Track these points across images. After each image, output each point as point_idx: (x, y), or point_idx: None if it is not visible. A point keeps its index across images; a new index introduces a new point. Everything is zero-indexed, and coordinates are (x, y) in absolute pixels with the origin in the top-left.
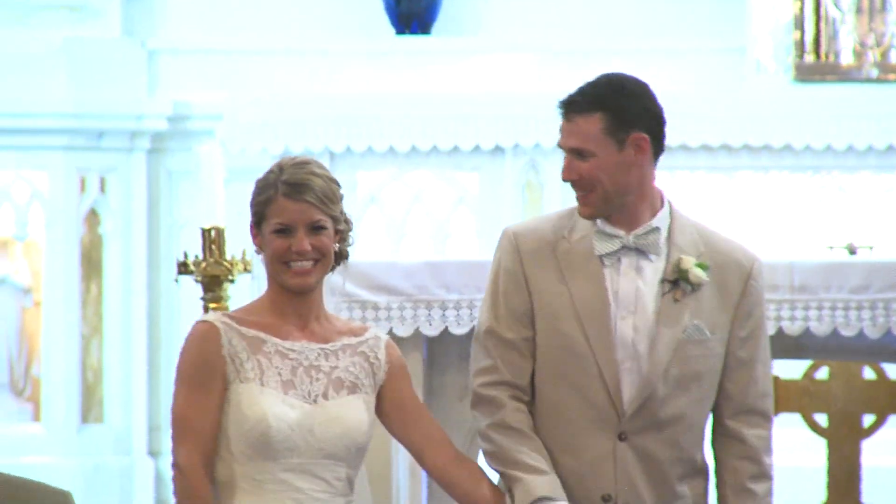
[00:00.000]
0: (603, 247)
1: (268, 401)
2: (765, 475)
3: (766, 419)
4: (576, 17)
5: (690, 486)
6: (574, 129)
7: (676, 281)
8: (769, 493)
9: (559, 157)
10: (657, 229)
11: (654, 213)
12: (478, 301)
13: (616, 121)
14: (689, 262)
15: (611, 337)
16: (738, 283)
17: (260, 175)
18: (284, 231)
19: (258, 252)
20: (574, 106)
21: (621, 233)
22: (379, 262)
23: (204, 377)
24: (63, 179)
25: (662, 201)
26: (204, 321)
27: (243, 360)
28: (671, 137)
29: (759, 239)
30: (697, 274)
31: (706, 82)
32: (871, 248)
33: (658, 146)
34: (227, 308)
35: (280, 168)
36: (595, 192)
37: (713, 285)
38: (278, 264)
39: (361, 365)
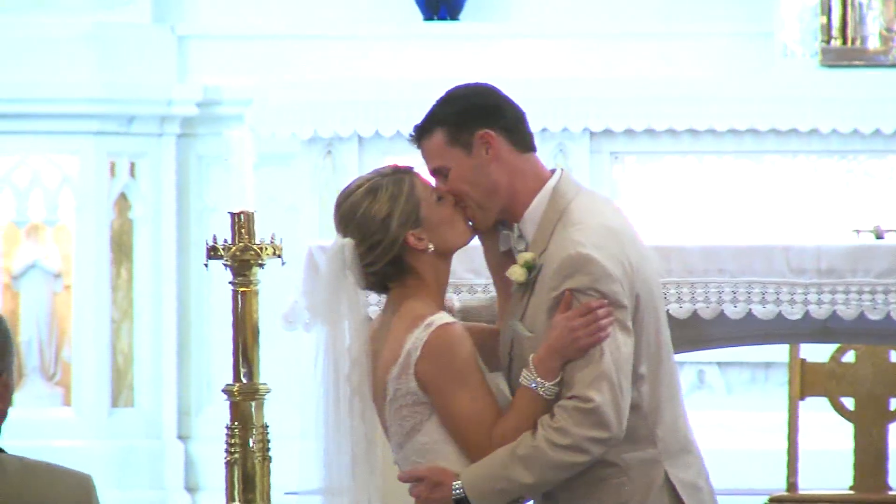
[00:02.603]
0: (504, 247)
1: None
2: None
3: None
4: (603, 3)
5: None
6: (425, 153)
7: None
8: (554, 445)
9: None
10: (513, 224)
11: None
12: None
13: (453, 129)
14: (520, 259)
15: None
16: (553, 279)
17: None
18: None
19: (425, 249)
20: (418, 134)
21: (507, 232)
22: None
23: (479, 366)
24: (93, 164)
25: (539, 186)
26: (449, 322)
27: None
28: (700, 121)
29: (786, 223)
30: (513, 271)
31: (733, 66)
32: None
33: (514, 135)
34: (256, 292)
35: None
36: (468, 204)
37: (542, 282)
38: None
39: None
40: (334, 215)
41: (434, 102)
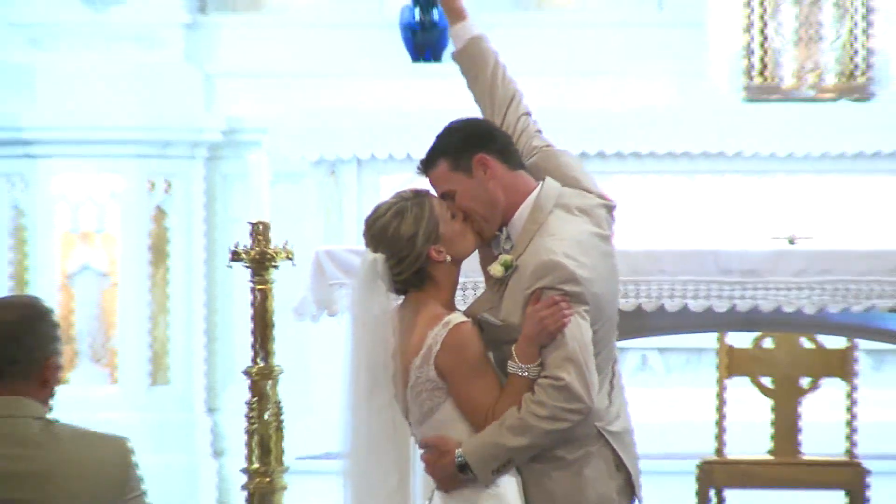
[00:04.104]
0: (496, 246)
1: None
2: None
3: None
4: (566, 46)
5: None
6: (432, 181)
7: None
8: (536, 415)
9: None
10: (503, 230)
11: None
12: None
13: (454, 158)
14: (500, 259)
15: None
16: (528, 280)
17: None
18: None
19: (444, 260)
20: (424, 166)
21: (498, 233)
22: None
23: (487, 358)
24: (135, 182)
25: (523, 198)
26: (463, 321)
27: None
28: (645, 146)
29: (715, 231)
30: (493, 268)
31: (672, 100)
32: (810, 238)
33: (504, 155)
34: (271, 289)
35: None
36: (475, 218)
37: (516, 280)
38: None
39: None
40: (365, 234)
41: (433, 141)
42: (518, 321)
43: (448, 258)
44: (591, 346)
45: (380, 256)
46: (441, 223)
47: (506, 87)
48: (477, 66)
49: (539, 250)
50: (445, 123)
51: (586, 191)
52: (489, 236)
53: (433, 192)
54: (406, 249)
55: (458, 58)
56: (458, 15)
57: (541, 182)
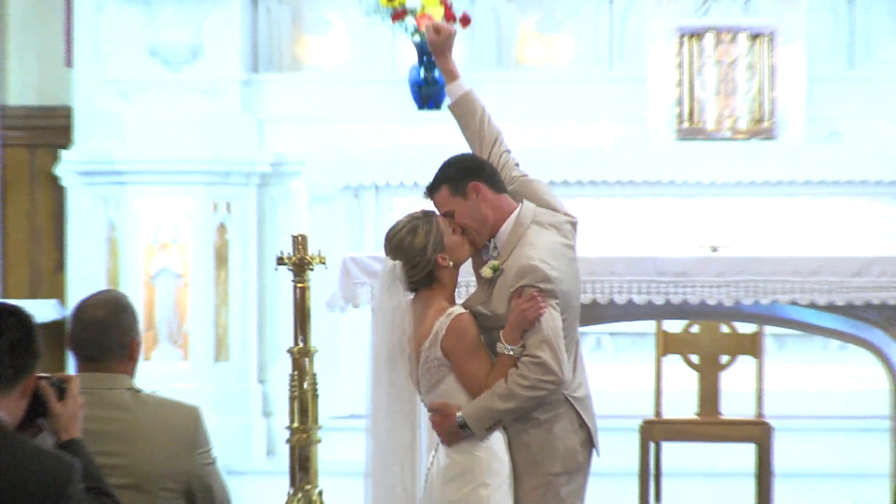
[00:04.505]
0: (486, 254)
1: None
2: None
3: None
4: (539, 97)
5: None
6: (436, 203)
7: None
8: (519, 385)
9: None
10: (491, 241)
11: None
12: None
13: (453, 185)
14: (489, 264)
15: None
16: (512, 280)
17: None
18: None
19: (448, 265)
20: (429, 192)
21: (488, 244)
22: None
23: (481, 340)
24: (203, 203)
25: (507, 216)
26: (463, 312)
27: None
28: (599, 175)
29: (653, 242)
30: (484, 270)
31: (621, 140)
32: (727, 247)
33: (492, 182)
34: (309, 287)
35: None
36: (470, 232)
37: (503, 280)
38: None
39: None
40: (385, 246)
41: (439, 169)
42: (504, 312)
43: (451, 263)
44: (561, 331)
45: (398, 263)
46: (445, 236)
47: (490, 131)
48: (468, 115)
49: (520, 257)
50: (444, 158)
51: (555, 210)
52: (481, 246)
53: (437, 211)
54: (419, 257)
55: (453, 108)
56: (452, 76)
57: (520, 204)
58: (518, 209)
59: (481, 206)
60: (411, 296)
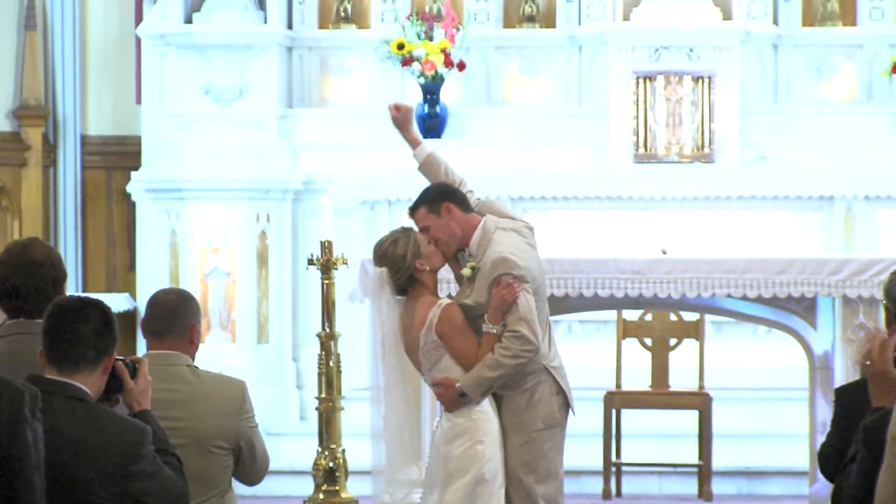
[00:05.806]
0: (461, 261)
1: None
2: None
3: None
4: (520, 128)
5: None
6: (416, 220)
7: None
8: (504, 356)
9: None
10: (465, 249)
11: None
12: None
13: (429, 206)
14: (468, 265)
15: None
16: (490, 272)
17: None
18: None
19: (425, 269)
20: (411, 212)
21: (462, 252)
22: None
23: (467, 324)
24: (248, 215)
25: (474, 230)
26: (450, 303)
27: None
28: (570, 191)
29: (613, 247)
30: (464, 271)
31: (588, 163)
32: (675, 250)
33: (461, 204)
34: (334, 283)
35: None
36: (439, 244)
37: (481, 276)
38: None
39: None
40: (374, 256)
41: (421, 193)
42: (485, 301)
43: (427, 268)
44: (535, 309)
45: (384, 269)
46: (422, 247)
47: (454, 179)
48: (434, 170)
49: (492, 254)
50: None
51: (513, 219)
52: (451, 255)
53: (416, 227)
54: (400, 263)
55: (421, 168)
56: (415, 143)
57: (484, 218)
58: (483, 222)
59: (451, 223)
60: (401, 299)
